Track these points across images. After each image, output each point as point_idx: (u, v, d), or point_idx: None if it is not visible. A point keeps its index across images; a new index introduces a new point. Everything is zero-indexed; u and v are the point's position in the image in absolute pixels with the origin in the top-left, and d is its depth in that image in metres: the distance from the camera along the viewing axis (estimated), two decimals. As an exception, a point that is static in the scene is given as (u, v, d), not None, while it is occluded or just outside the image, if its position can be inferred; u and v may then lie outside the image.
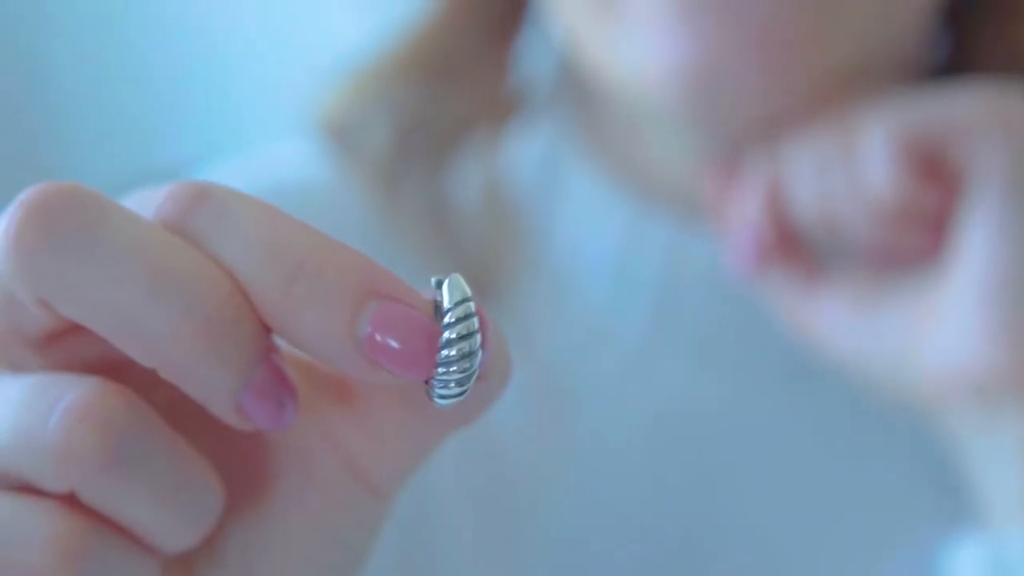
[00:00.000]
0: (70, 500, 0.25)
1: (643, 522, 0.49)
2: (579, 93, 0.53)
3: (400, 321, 0.24)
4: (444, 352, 0.24)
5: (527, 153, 0.54)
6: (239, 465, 0.28)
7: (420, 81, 0.53)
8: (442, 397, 0.25)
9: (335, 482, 0.28)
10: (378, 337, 0.24)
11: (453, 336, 0.24)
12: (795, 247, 0.47)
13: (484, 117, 0.54)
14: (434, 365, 0.24)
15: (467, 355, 0.24)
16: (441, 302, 0.25)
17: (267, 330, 0.25)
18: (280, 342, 0.26)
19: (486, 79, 0.54)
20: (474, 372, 0.25)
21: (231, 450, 0.28)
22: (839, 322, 0.46)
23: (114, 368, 0.26)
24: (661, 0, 0.43)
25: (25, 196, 0.24)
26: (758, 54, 0.43)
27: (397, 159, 0.52)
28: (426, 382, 0.25)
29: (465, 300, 0.24)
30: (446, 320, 0.24)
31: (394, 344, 0.24)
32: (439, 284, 0.25)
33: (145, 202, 0.26)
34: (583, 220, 0.52)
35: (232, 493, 0.28)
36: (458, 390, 0.25)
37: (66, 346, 0.27)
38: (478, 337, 0.24)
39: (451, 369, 0.24)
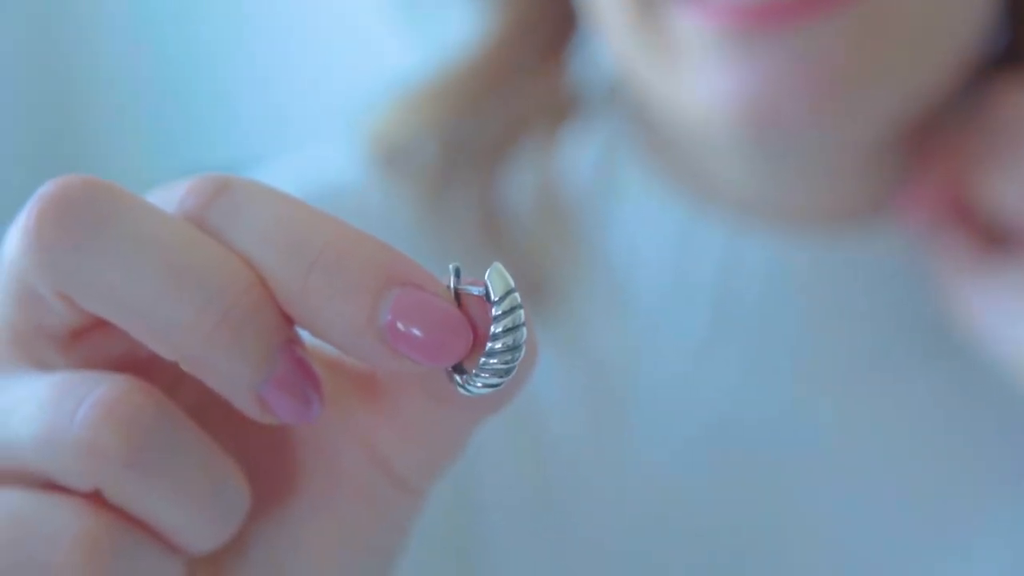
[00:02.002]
0: (95, 498, 0.25)
1: (696, 526, 0.48)
2: (633, 100, 0.52)
3: (421, 308, 0.24)
4: (489, 344, 0.24)
5: (583, 156, 0.53)
6: (266, 464, 0.28)
7: (472, 102, 0.53)
8: (478, 386, 0.24)
9: (363, 479, 0.27)
10: (399, 325, 0.24)
11: (499, 330, 0.24)
12: (972, 217, 0.47)
13: (538, 122, 0.53)
14: (457, 352, 0.24)
15: (511, 348, 0.24)
16: (463, 291, 0.24)
17: (289, 322, 0.25)
18: (305, 337, 0.25)
19: (539, 88, 0.54)
20: (515, 366, 0.24)
21: (257, 449, 0.28)
22: (998, 307, 0.45)
23: (140, 366, 0.26)
24: (710, 36, 0.43)
25: (44, 190, 0.24)
26: (808, 85, 0.43)
27: (444, 175, 0.52)
28: (453, 370, 0.24)
29: (510, 292, 0.24)
30: (494, 313, 0.24)
31: (415, 332, 0.24)
32: (457, 272, 0.24)
33: (167, 196, 0.25)
34: (639, 223, 0.51)
35: (259, 493, 0.27)
36: (496, 381, 0.24)
37: (90, 344, 0.26)
38: (524, 331, 0.24)
39: (492, 361, 0.24)
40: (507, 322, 0.24)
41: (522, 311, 0.24)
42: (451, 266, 0.24)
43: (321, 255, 0.24)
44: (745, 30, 0.42)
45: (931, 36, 0.45)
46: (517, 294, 0.24)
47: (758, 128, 0.44)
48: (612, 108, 0.54)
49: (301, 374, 0.25)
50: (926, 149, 0.49)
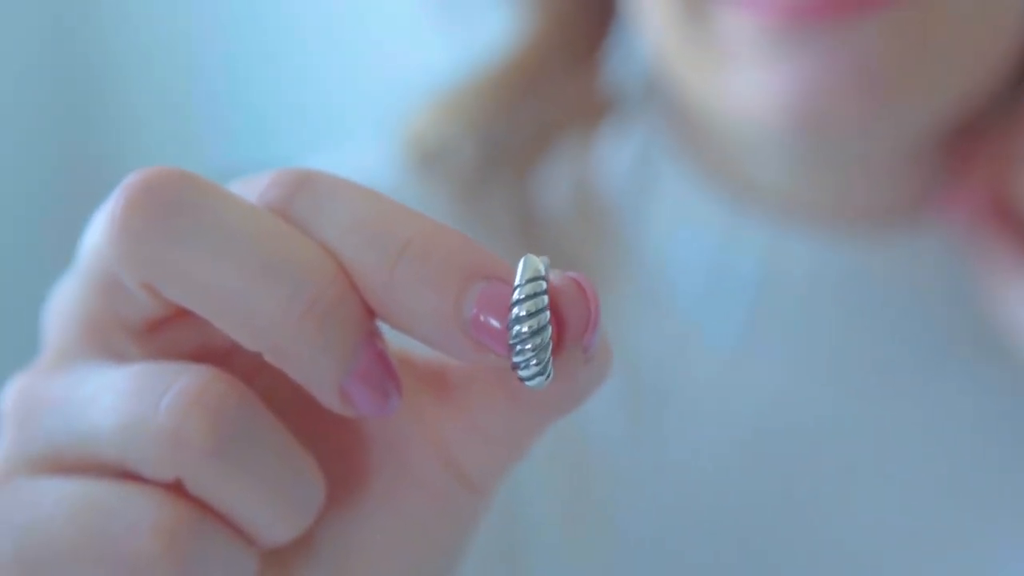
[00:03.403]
0: (174, 488, 0.25)
1: (733, 528, 0.48)
2: (671, 97, 0.52)
3: (506, 302, 0.24)
4: (515, 328, 0.24)
5: (619, 155, 0.53)
6: (335, 459, 0.28)
7: (508, 102, 0.53)
8: (527, 378, 0.24)
9: (432, 476, 0.27)
10: (483, 318, 0.24)
11: (523, 313, 0.24)
12: (1014, 218, 0.47)
13: (575, 122, 0.53)
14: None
15: (537, 331, 0.24)
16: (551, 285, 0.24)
17: (371, 314, 0.25)
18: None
19: (575, 87, 0.54)
20: (548, 345, 0.24)
21: (327, 444, 0.28)
22: None
23: (214, 360, 0.26)
24: (754, 33, 0.43)
25: (130, 180, 0.24)
26: (849, 85, 0.43)
27: (480, 176, 0.52)
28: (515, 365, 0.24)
29: (536, 278, 0.24)
30: (515, 296, 0.24)
31: (498, 325, 0.24)
32: (546, 266, 0.24)
33: (247, 188, 0.25)
34: (677, 222, 0.51)
35: (329, 487, 0.27)
36: (538, 368, 0.24)
37: (167, 336, 0.26)
38: (547, 314, 0.24)
39: (526, 347, 0.24)
40: (529, 306, 0.24)
41: (546, 297, 0.24)
42: (542, 259, 0.24)
43: (408, 246, 0.24)
44: (787, 27, 0.42)
45: (974, 38, 0.45)
46: (544, 282, 0.24)
47: (800, 128, 0.44)
48: (649, 107, 0.54)
49: (382, 367, 0.25)
50: (968, 149, 0.49)
